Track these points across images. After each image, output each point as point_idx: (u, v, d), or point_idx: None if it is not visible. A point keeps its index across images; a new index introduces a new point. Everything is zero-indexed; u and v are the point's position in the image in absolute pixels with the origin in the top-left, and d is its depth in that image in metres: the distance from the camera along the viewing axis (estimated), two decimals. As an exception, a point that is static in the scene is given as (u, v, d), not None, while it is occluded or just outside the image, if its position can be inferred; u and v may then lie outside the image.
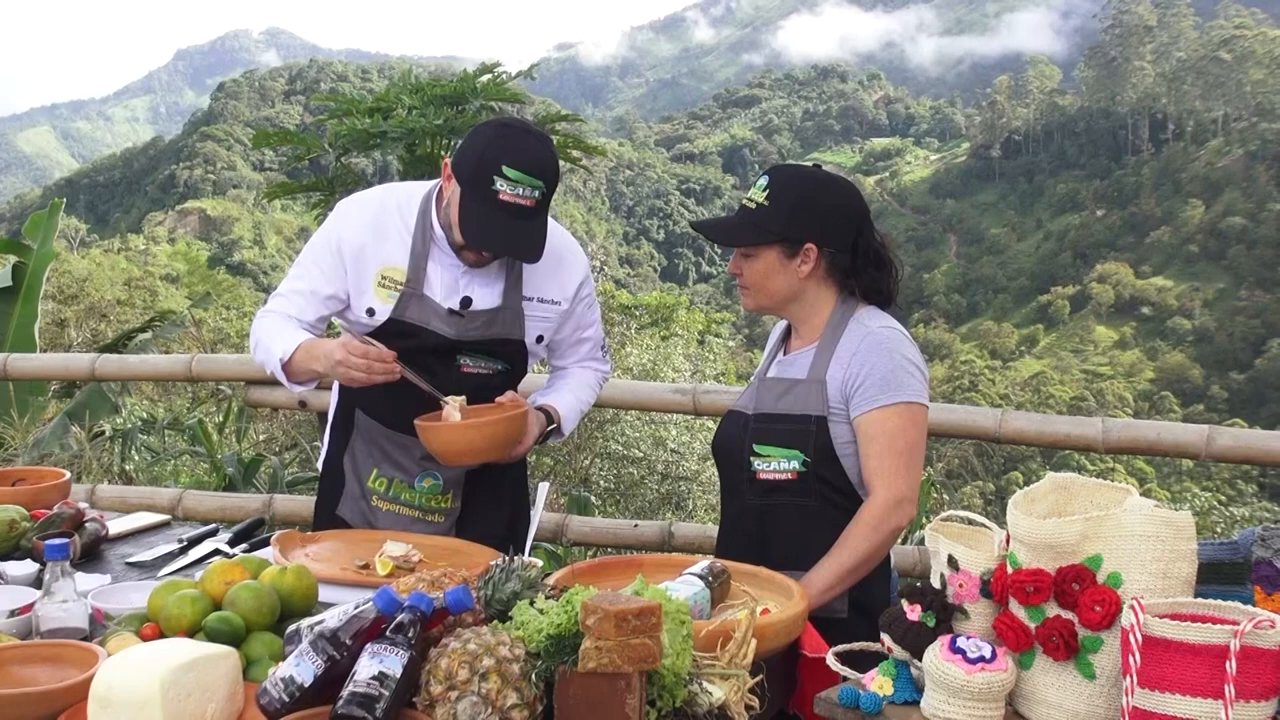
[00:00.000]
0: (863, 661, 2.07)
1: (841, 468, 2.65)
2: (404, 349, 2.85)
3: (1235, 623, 1.67)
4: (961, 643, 1.88)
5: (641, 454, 10.08)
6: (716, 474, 3.00)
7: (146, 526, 3.18)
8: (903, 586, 2.08)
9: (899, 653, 1.98)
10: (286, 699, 1.74)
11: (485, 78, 6.21)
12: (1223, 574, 2.16)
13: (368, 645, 1.74)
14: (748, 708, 1.86)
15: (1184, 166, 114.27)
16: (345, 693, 1.69)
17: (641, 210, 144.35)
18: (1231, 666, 1.64)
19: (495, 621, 1.91)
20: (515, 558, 2.08)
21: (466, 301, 2.93)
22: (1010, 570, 1.92)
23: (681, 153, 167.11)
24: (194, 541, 2.97)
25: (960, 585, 1.99)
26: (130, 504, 4.60)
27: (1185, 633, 1.67)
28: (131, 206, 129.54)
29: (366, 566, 2.60)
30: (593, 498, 7.81)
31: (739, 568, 2.35)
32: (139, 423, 7.74)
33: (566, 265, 3.06)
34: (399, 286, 2.91)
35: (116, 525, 3.11)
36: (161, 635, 2.10)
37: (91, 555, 2.87)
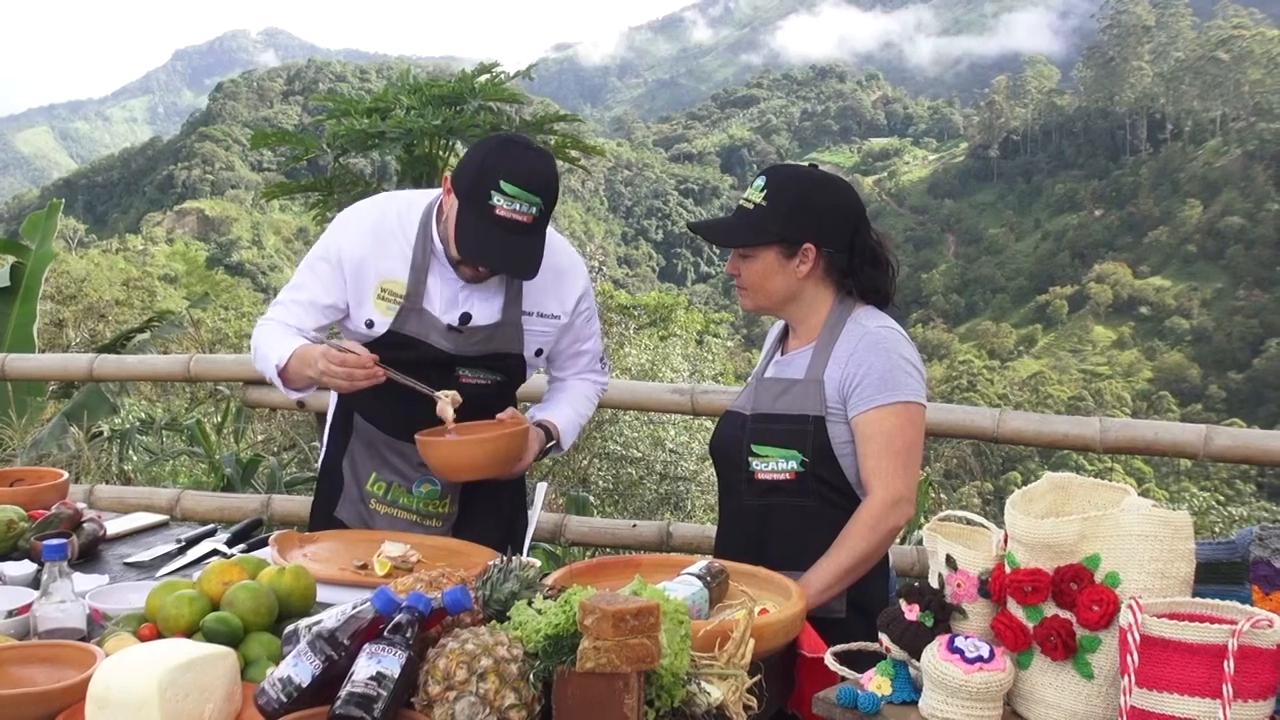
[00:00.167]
0: (861, 661, 2.07)
1: (839, 467, 2.65)
2: (403, 360, 2.86)
3: (1233, 622, 1.67)
4: (959, 642, 1.88)
5: (640, 454, 10.08)
6: (715, 474, 3.00)
7: (144, 527, 3.18)
8: (901, 586, 2.08)
9: (897, 652, 1.98)
10: (284, 699, 1.74)
11: (483, 78, 6.20)
12: (1220, 573, 2.16)
13: (366, 645, 1.74)
14: (746, 708, 1.86)
15: (1182, 166, 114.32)
16: (343, 693, 1.68)
17: (640, 210, 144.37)
18: (1229, 666, 1.64)
19: (493, 622, 1.91)
20: (513, 558, 2.08)
21: (465, 318, 2.92)
22: (1008, 570, 1.92)
23: (680, 153, 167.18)
24: (192, 542, 2.96)
25: (958, 585, 1.99)
26: (128, 504, 4.60)
27: (1183, 632, 1.67)
28: (130, 207, 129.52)
29: (364, 567, 2.60)
30: (591, 498, 7.81)
31: (737, 568, 2.35)
32: (137, 423, 7.74)
33: (566, 279, 3.04)
34: (398, 299, 2.91)
35: (114, 525, 3.11)
36: (159, 635, 2.10)
37: (89, 555, 2.87)
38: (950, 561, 2.01)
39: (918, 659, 1.93)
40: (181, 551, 2.90)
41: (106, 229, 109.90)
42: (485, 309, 2.95)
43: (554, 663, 1.75)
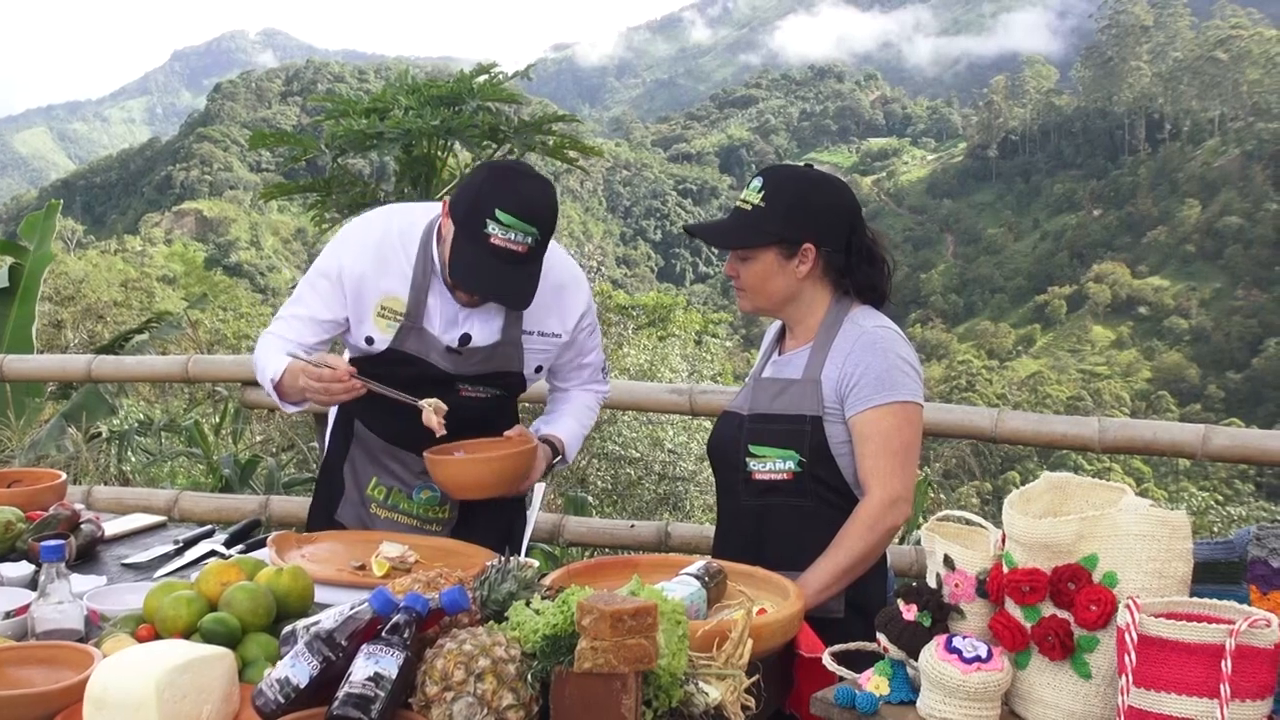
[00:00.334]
0: (859, 661, 2.07)
1: (837, 467, 2.65)
2: (404, 376, 2.88)
3: (1231, 622, 1.67)
4: (957, 642, 1.88)
5: (639, 454, 10.09)
6: (713, 474, 3.00)
7: (142, 528, 3.17)
8: (899, 586, 2.08)
9: (895, 652, 1.98)
10: (282, 700, 1.74)
11: (482, 78, 6.20)
12: (1218, 573, 2.16)
13: (363, 646, 1.74)
14: (744, 708, 1.86)
15: (1180, 166, 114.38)
16: (341, 694, 1.68)
17: (638, 210, 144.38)
18: (1227, 666, 1.64)
19: (491, 622, 1.91)
20: (511, 558, 2.08)
21: (465, 338, 2.92)
22: (1006, 570, 1.92)
23: (678, 153, 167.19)
24: (190, 543, 2.96)
25: (956, 585, 1.99)
26: (127, 505, 4.60)
27: (1181, 632, 1.67)
28: (128, 208, 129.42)
29: (363, 567, 2.60)
30: (589, 498, 7.82)
31: (735, 568, 2.35)
32: (135, 424, 7.74)
33: (568, 296, 3.03)
34: (398, 317, 2.91)
35: (112, 526, 3.10)
36: (157, 636, 2.10)
37: (87, 557, 2.87)
38: (948, 561, 2.01)
39: (916, 659, 1.93)
40: (179, 552, 2.89)
41: (105, 230, 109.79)
42: (485, 329, 2.94)
43: (552, 663, 1.74)
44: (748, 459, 2.69)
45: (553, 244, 2.86)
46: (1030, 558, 1.89)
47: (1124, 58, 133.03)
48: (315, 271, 2.97)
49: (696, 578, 2.19)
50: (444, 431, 2.79)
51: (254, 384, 4.96)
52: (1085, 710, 1.85)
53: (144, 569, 2.80)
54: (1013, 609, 1.91)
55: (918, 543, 4.40)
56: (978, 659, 1.86)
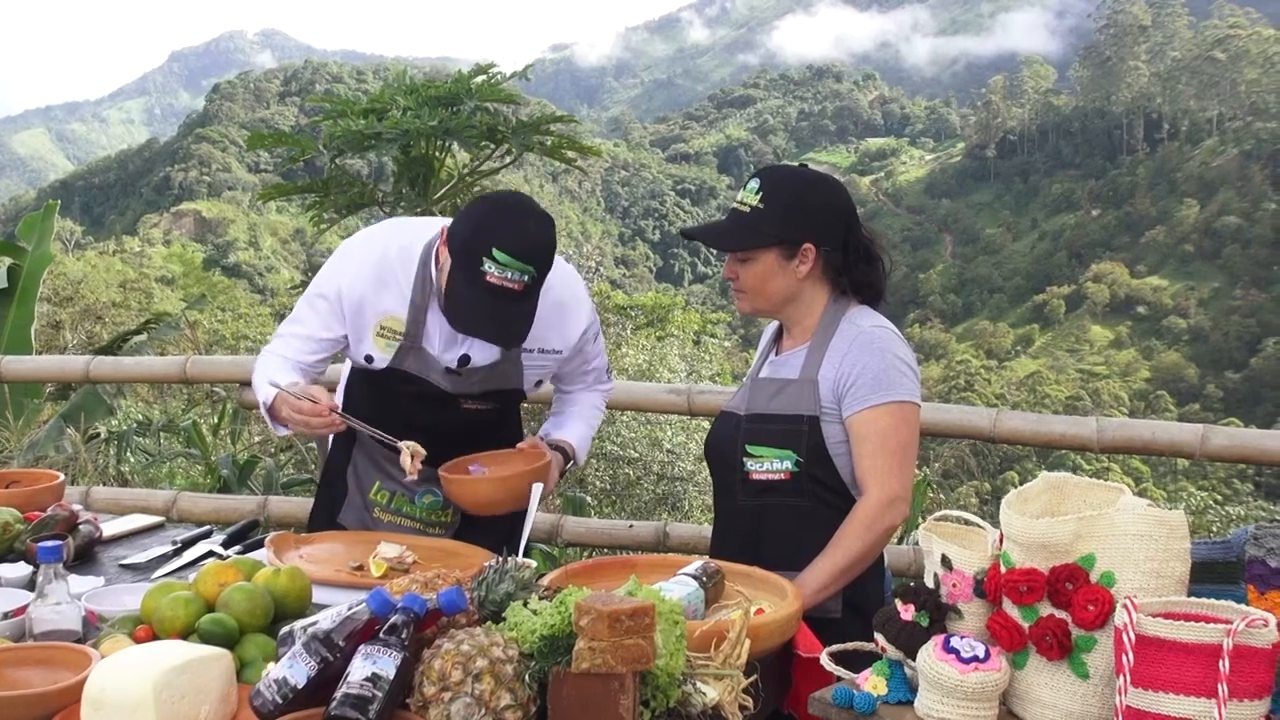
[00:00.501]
0: (857, 661, 2.07)
1: (834, 467, 2.65)
2: (404, 393, 2.92)
3: (1228, 622, 1.67)
4: (955, 642, 1.88)
5: (637, 454, 10.09)
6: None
7: (140, 528, 3.17)
8: (897, 586, 2.08)
9: (893, 652, 1.98)
10: (280, 700, 1.73)
11: (480, 79, 6.19)
12: (1216, 573, 2.17)
13: (361, 646, 1.74)
14: (742, 708, 1.86)
15: (1179, 166, 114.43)
16: (338, 694, 1.68)
17: (637, 211, 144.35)
18: (1225, 665, 1.64)
19: (489, 622, 1.91)
20: (509, 559, 2.08)
21: (464, 359, 2.93)
22: (1004, 570, 1.92)
23: (677, 153, 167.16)
24: (188, 543, 2.96)
25: (954, 585, 1.99)
26: (125, 506, 4.59)
27: (1179, 632, 1.67)
28: (126, 208, 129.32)
29: (361, 568, 2.60)
30: (588, 498, 7.82)
31: (733, 568, 2.35)
32: (134, 425, 7.74)
33: (569, 314, 3.02)
34: (397, 337, 2.91)
35: (110, 527, 3.11)
36: (155, 637, 2.10)
37: (85, 557, 2.87)
38: (946, 561, 2.01)
39: (913, 659, 1.93)
40: (177, 553, 2.89)
41: (103, 230, 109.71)
42: (485, 350, 2.94)
43: (549, 663, 1.75)
44: (745, 459, 2.69)
45: (556, 258, 2.84)
46: (1028, 558, 1.89)
47: (1122, 57, 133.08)
48: (314, 291, 2.96)
49: (694, 578, 2.19)
50: (417, 476, 2.81)
51: (252, 384, 4.96)
52: (1083, 710, 1.85)
53: (142, 570, 2.80)
54: (1010, 609, 1.91)
55: (915, 543, 4.40)
56: (975, 659, 1.86)
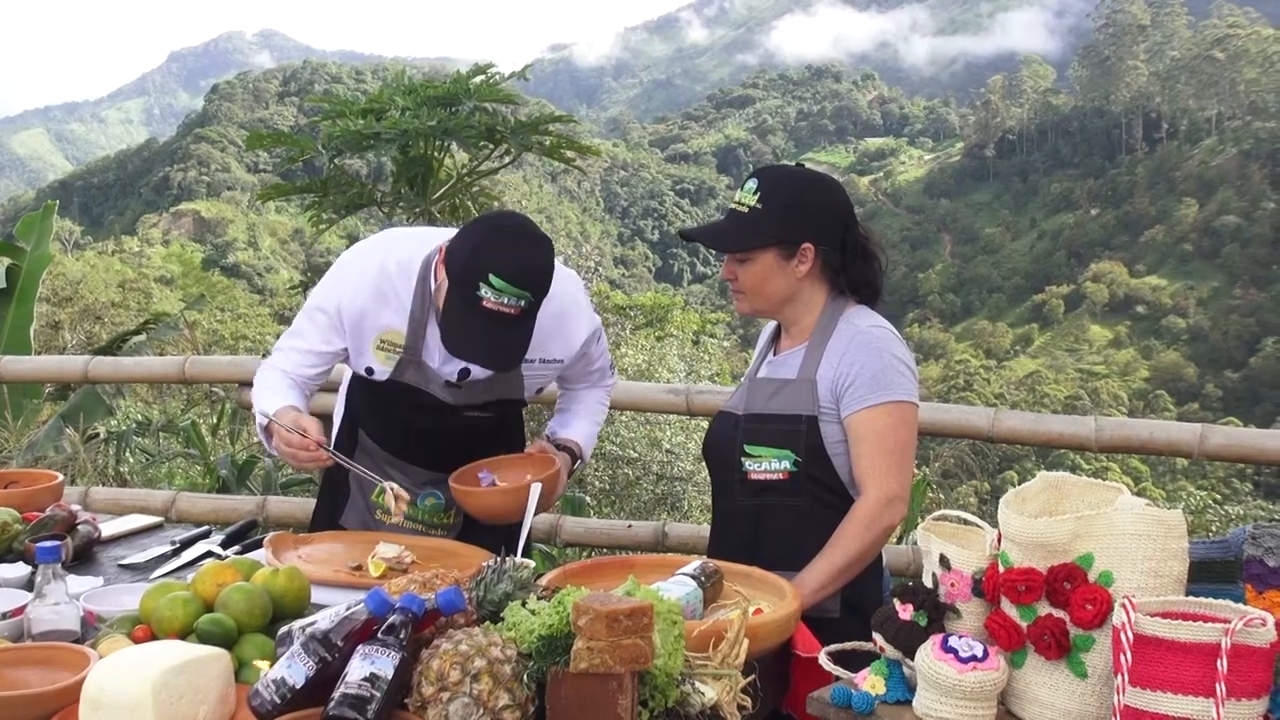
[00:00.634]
0: (855, 661, 2.07)
1: (832, 467, 2.65)
2: (406, 404, 2.95)
3: (1226, 621, 1.67)
4: (953, 642, 1.88)
5: (637, 454, 10.09)
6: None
7: (139, 529, 3.18)
8: (895, 586, 2.08)
9: (891, 652, 1.98)
10: (278, 700, 1.73)
11: (479, 79, 6.19)
12: (1214, 572, 2.17)
13: (359, 647, 1.74)
14: (740, 708, 1.86)
15: (1178, 165, 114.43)
16: (337, 694, 1.68)
17: (636, 211, 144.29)
18: (1223, 665, 1.64)
19: (487, 623, 1.91)
20: (507, 559, 2.08)
21: (464, 373, 2.93)
22: (1002, 569, 1.92)
23: (676, 153, 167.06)
24: (186, 544, 2.96)
25: (952, 584, 1.99)
26: (124, 506, 4.59)
27: (1176, 631, 1.67)
28: (125, 209, 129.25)
29: (359, 568, 2.60)
30: (587, 498, 7.82)
31: (732, 568, 2.35)
32: (133, 425, 7.75)
33: (570, 323, 3.01)
34: (397, 350, 2.92)
35: (109, 527, 3.10)
36: (153, 637, 2.10)
37: (83, 557, 2.87)
38: (944, 561, 2.01)
39: (912, 658, 1.93)
40: (176, 553, 2.89)
41: (102, 231, 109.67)
42: None
43: (548, 663, 1.75)
44: (743, 459, 2.69)
45: (557, 264, 2.83)
46: (1026, 557, 1.89)
47: (1121, 57, 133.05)
48: (313, 305, 2.96)
49: (693, 578, 2.19)
50: (401, 519, 2.81)
51: (251, 384, 4.96)
52: (1081, 709, 1.85)
53: (140, 570, 2.80)
54: (1008, 608, 1.91)
55: (914, 542, 4.41)
56: (974, 658, 1.86)
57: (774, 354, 2.85)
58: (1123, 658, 1.71)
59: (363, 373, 2.98)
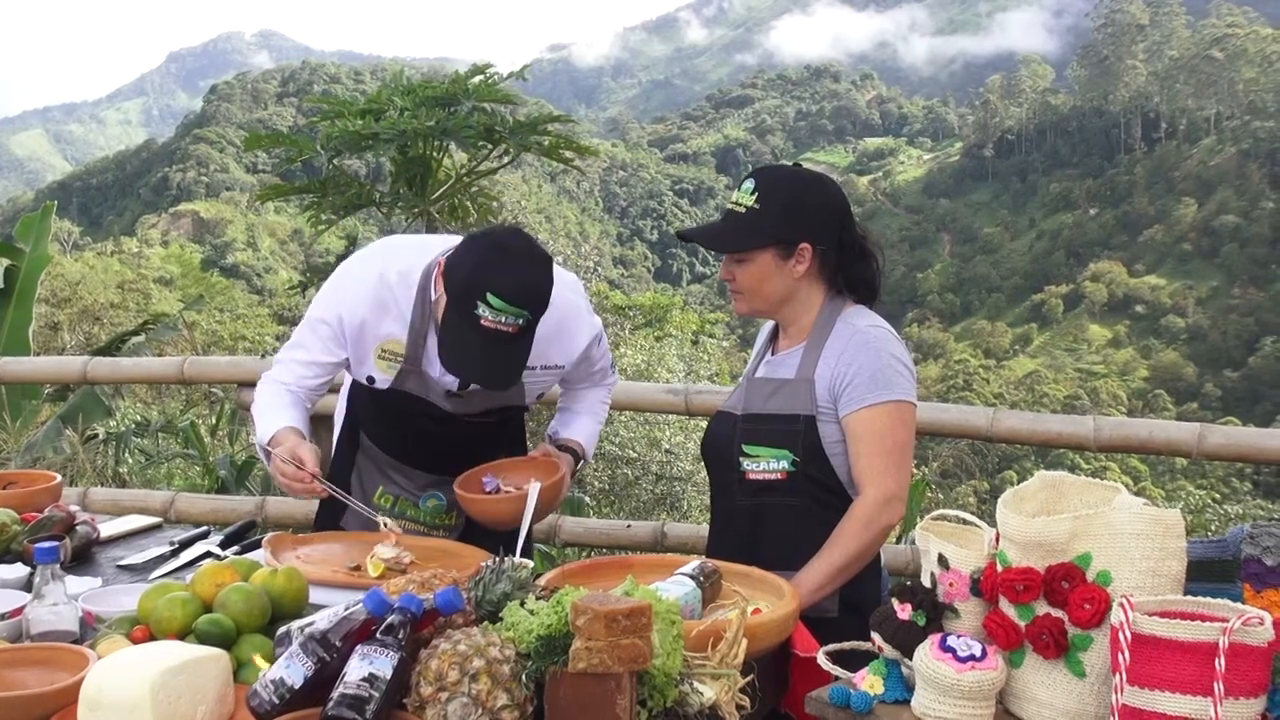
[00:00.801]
0: (854, 661, 2.07)
1: (831, 467, 2.65)
2: (408, 413, 2.96)
3: (1224, 620, 1.67)
4: (952, 641, 1.89)
5: (636, 455, 10.10)
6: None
7: (138, 529, 3.18)
8: (893, 585, 2.08)
9: (890, 652, 1.98)
10: (277, 701, 1.74)
11: (477, 79, 6.19)
12: (1212, 572, 2.17)
13: (358, 647, 1.74)
14: (739, 707, 1.87)
15: (1177, 165, 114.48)
16: (335, 694, 1.68)
17: (635, 211, 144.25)
18: (1221, 664, 1.64)
19: (486, 623, 1.91)
20: (506, 559, 2.08)
21: (465, 383, 2.93)
22: (1000, 569, 1.92)
23: (675, 153, 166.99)
24: (185, 544, 2.96)
25: (950, 584, 1.99)
26: (123, 507, 4.59)
27: (1175, 630, 1.67)
28: (124, 209, 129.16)
29: (358, 568, 2.60)
30: (587, 498, 7.82)
31: (730, 568, 2.35)
32: (132, 426, 7.74)
33: (570, 330, 3.02)
34: (398, 359, 2.92)
35: (108, 528, 3.11)
36: (152, 638, 2.10)
37: (82, 558, 2.87)
38: (942, 560, 2.01)
39: (910, 658, 1.93)
40: (174, 554, 2.89)
41: (101, 231, 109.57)
42: None
43: (546, 663, 1.75)
44: (742, 459, 2.69)
45: (558, 269, 2.82)
46: (1024, 556, 1.89)
47: (1120, 57, 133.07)
48: (314, 316, 2.96)
49: (691, 578, 2.19)
50: (395, 552, 2.80)
51: (250, 385, 4.96)
52: (1080, 709, 1.85)
53: (139, 570, 2.80)
54: (1007, 608, 1.91)
55: (913, 542, 4.41)
56: (972, 658, 1.86)
57: (772, 354, 2.85)
58: (1121, 657, 1.71)
59: (364, 381, 2.99)
